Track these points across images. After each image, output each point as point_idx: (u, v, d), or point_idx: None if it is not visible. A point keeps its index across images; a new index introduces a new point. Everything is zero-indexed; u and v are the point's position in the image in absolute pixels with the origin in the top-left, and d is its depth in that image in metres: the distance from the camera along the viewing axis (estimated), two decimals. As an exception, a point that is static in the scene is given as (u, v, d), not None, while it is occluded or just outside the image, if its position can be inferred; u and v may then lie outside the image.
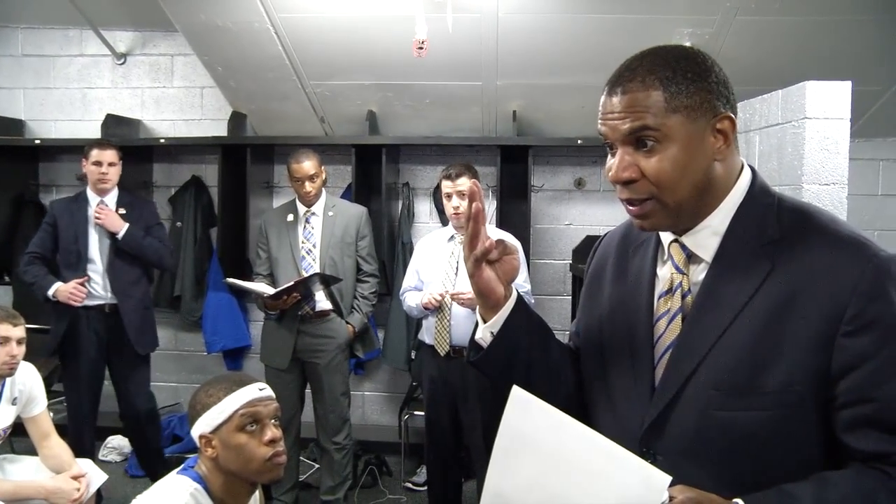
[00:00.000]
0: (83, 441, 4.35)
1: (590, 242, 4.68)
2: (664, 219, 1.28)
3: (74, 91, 5.66)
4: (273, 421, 1.98)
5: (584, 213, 5.24)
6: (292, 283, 3.94)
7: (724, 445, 1.22)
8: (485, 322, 1.41)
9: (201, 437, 1.94)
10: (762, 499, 1.14)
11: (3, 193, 5.37)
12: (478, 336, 1.43)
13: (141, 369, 4.53)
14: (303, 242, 4.22)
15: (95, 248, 4.34)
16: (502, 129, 5.13)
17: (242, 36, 4.44)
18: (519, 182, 4.91)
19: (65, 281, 4.26)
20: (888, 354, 1.14)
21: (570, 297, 5.09)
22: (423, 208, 5.42)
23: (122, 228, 4.27)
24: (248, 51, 4.57)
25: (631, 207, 1.29)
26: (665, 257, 1.37)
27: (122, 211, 4.36)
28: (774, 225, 1.25)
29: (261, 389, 1.98)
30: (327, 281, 4.08)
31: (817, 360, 1.16)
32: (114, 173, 4.33)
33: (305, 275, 4.05)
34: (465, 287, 3.73)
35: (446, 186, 3.84)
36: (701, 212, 1.28)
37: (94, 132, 5.32)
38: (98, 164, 4.27)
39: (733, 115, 1.24)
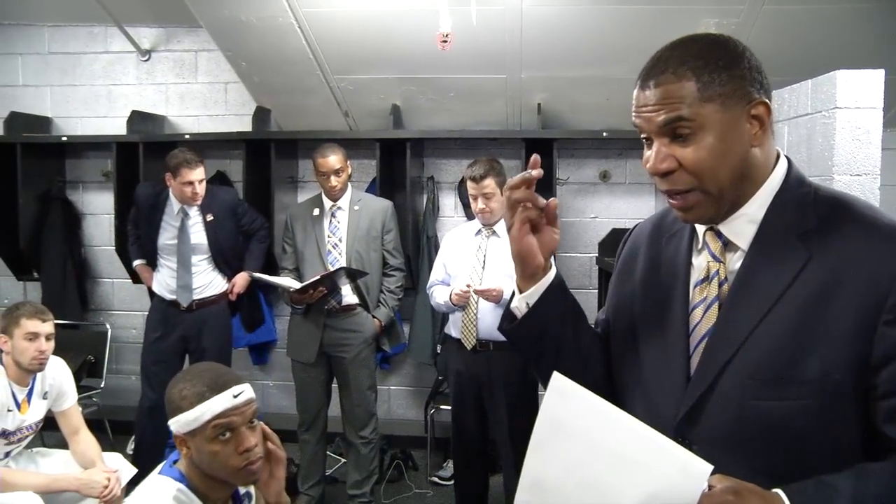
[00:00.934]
0: None
1: (615, 235, 4.65)
2: (708, 209, 1.27)
3: (100, 88, 5.69)
4: (250, 424, 1.92)
5: (610, 206, 5.20)
6: (318, 277, 3.94)
7: (760, 435, 1.21)
8: (521, 292, 1.42)
9: (176, 436, 1.90)
10: (802, 489, 1.12)
11: (30, 190, 5.40)
12: (513, 305, 1.44)
13: None
14: (329, 237, 4.22)
15: None
16: (527, 121, 5.10)
17: (266, 31, 4.44)
18: (544, 175, 4.82)
19: None
20: None
21: (597, 291, 5.06)
22: (448, 202, 5.40)
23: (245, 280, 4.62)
24: (272, 45, 4.57)
25: (673, 201, 1.28)
26: (700, 246, 1.36)
27: (210, 217, 4.46)
28: (811, 214, 1.24)
29: (235, 396, 1.88)
30: (353, 275, 4.07)
31: (857, 349, 1.14)
32: (204, 189, 4.37)
33: (331, 269, 4.05)
34: (492, 281, 3.72)
35: (471, 188, 3.82)
36: (739, 200, 1.27)
37: (120, 128, 5.36)
38: (189, 183, 4.26)
39: (768, 101, 1.23)
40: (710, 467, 1.05)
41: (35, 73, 5.74)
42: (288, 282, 4.10)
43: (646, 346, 1.40)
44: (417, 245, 5.20)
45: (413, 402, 5.55)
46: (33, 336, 3.12)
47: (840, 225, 1.21)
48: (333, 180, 4.12)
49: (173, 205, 4.44)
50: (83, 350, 5.19)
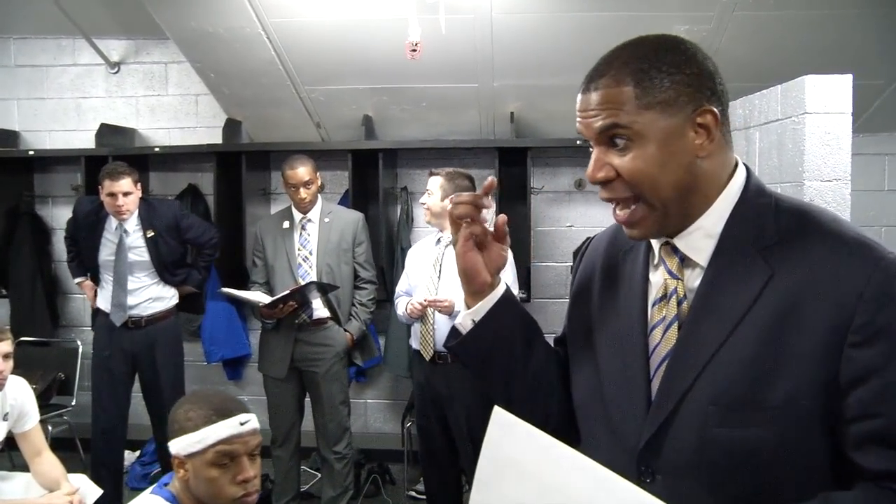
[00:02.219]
0: None
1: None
2: (653, 224, 1.21)
3: (68, 101, 5.61)
4: (252, 455, 1.90)
5: (585, 215, 5.17)
6: (288, 291, 3.89)
7: (726, 464, 1.14)
8: (468, 308, 1.37)
9: (175, 457, 1.88)
10: None
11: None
12: (457, 321, 1.39)
13: None
14: (299, 250, 4.17)
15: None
16: (500, 130, 5.07)
17: (234, 42, 4.38)
18: (518, 184, 4.85)
19: None
20: None
21: (572, 300, 5.02)
22: (422, 213, 5.34)
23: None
24: (241, 57, 4.52)
25: (618, 214, 1.23)
26: (656, 261, 1.28)
27: (150, 233, 4.31)
28: (772, 227, 1.17)
29: (242, 423, 1.87)
30: (324, 289, 4.02)
31: (824, 373, 1.08)
32: (131, 202, 4.22)
33: (302, 283, 4.00)
34: (447, 292, 3.69)
35: (433, 184, 3.85)
36: (690, 213, 1.20)
37: (89, 142, 5.28)
38: (112, 195, 4.13)
39: (716, 109, 1.16)
40: None
41: (2, 86, 5.64)
42: (258, 296, 4.04)
43: (606, 370, 1.32)
44: (392, 257, 5.15)
45: (390, 415, 5.49)
46: None
47: (803, 238, 1.15)
48: (303, 192, 4.08)
49: (112, 220, 4.30)
50: (53, 367, 5.11)
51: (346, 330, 4.19)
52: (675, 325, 1.22)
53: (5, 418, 3.22)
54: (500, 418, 1.16)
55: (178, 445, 1.86)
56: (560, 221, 5.20)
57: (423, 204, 3.86)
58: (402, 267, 5.01)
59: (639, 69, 1.15)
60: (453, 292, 3.66)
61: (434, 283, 3.80)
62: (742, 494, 1.13)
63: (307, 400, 4.31)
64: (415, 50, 3.85)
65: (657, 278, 1.28)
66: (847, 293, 1.08)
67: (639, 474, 1.20)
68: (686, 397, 1.17)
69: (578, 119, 1.22)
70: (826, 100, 2.73)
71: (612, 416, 1.29)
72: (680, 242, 1.23)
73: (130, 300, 4.29)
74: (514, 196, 4.89)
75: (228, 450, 1.84)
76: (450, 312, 3.64)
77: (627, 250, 1.36)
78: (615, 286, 1.35)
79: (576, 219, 5.18)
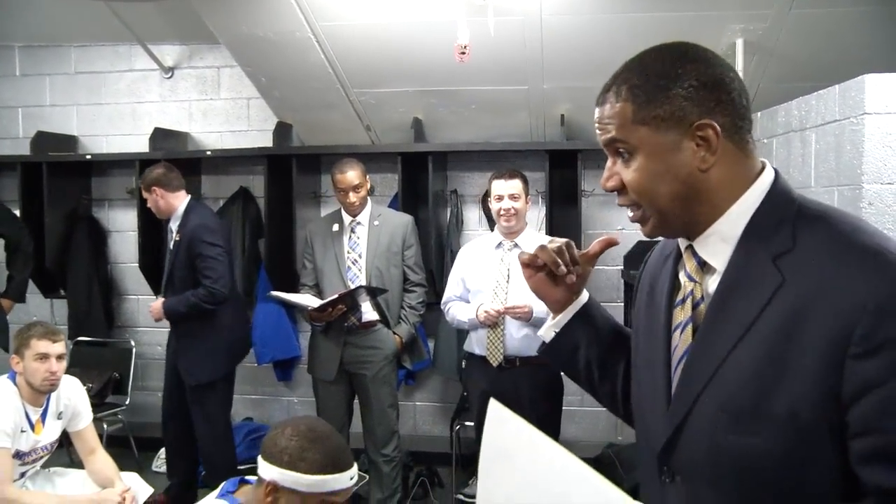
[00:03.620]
0: None
1: (641, 248, 4.55)
2: (657, 225, 1.24)
3: (124, 106, 5.73)
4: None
5: (637, 218, 5.10)
6: (337, 295, 3.90)
7: (735, 471, 1.13)
8: (553, 319, 1.53)
9: (270, 483, 1.87)
10: None
11: (57, 208, 5.45)
12: (541, 332, 1.56)
13: None
14: (348, 253, 4.18)
15: None
16: (550, 133, 5.03)
17: (284, 46, 4.43)
18: (569, 187, 4.81)
19: None
20: None
21: (623, 304, 4.96)
22: (472, 216, 5.35)
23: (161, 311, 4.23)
24: (291, 61, 4.56)
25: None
26: (681, 264, 1.31)
27: (178, 237, 4.22)
28: (789, 234, 1.14)
29: (351, 479, 1.92)
30: (373, 292, 4.02)
31: (827, 385, 1.05)
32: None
33: (351, 286, 4.01)
34: (519, 298, 3.64)
35: (498, 187, 3.76)
36: (697, 220, 1.21)
37: (144, 146, 5.39)
38: (44, 356, 3.18)
39: (718, 122, 1.15)
40: (633, 502, 1.02)
41: (62, 92, 5.80)
42: (307, 300, 4.06)
43: (639, 369, 1.38)
44: (441, 260, 5.14)
45: (439, 418, 5.48)
46: (43, 357, 3.12)
47: (816, 247, 1.12)
48: (352, 196, 4.08)
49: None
50: (109, 367, 5.22)
51: (395, 333, 4.19)
52: (690, 328, 1.24)
53: (60, 417, 3.31)
54: (496, 412, 1.20)
55: (284, 478, 1.85)
56: (611, 225, 5.14)
57: (511, 209, 3.73)
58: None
59: (636, 85, 1.18)
60: (526, 296, 3.59)
61: (503, 287, 3.75)
62: (749, 501, 1.13)
63: (356, 402, 4.32)
64: (464, 53, 3.84)
65: (682, 280, 1.30)
66: (851, 303, 1.04)
67: (660, 474, 1.24)
68: (698, 401, 1.18)
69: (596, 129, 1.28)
70: (887, 99, 2.63)
71: (644, 415, 1.34)
72: (698, 246, 1.24)
73: None
74: (564, 199, 4.85)
75: (334, 500, 1.89)
76: (528, 318, 3.59)
77: (669, 254, 1.37)
78: (654, 288, 1.38)
79: (626, 222, 5.01)
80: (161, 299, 4.30)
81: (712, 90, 1.16)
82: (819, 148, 2.93)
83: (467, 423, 4.85)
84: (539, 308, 3.58)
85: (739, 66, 4.04)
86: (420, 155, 4.94)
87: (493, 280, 3.79)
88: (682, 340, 1.25)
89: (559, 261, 1.42)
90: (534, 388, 3.65)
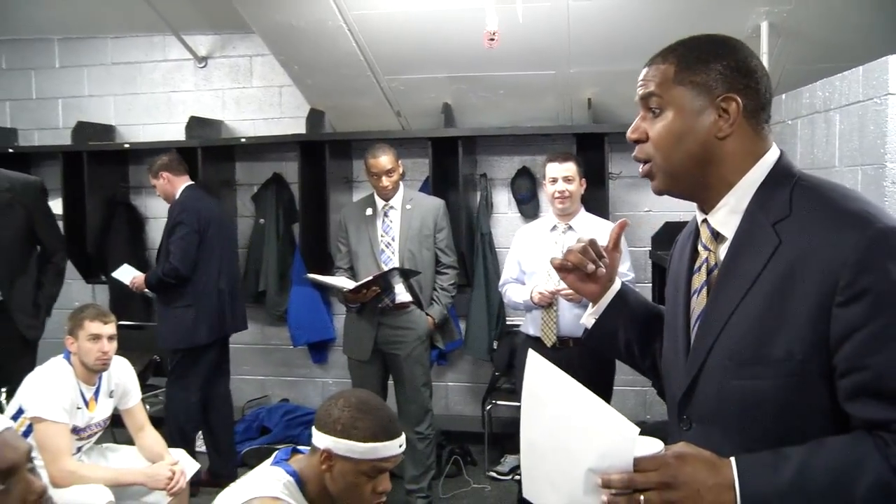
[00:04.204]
0: None
1: (669, 229, 4.61)
2: (663, 181, 1.40)
3: (160, 95, 5.87)
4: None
5: (663, 200, 5.04)
6: (371, 277, 4.00)
7: (740, 413, 1.29)
8: (592, 307, 1.68)
9: (325, 451, 1.97)
10: (755, 458, 1.20)
11: (96, 196, 5.60)
12: (582, 320, 1.72)
13: None
14: (382, 236, 4.27)
15: None
16: (578, 116, 5.09)
17: (317, 34, 4.52)
18: (596, 170, 4.86)
19: None
20: (881, 323, 1.16)
21: (651, 285, 5.02)
22: (502, 198, 5.42)
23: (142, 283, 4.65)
24: (323, 49, 4.65)
25: (640, 169, 1.43)
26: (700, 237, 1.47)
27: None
28: (787, 202, 1.30)
29: (400, 446, 2.01)
30: (406, 274, 4.12)
31: (817, 331, 1.20)
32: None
33: (385, 268, 4.11)
34: None
35: (552, 170, 3.81)
36: (706, 183, 1.37)
37: (178, 134, 5.53)
38: (97, 337, 3.33)
39: (742, 100, 1.31)
40: (637, 429, 1.17)
41: (99, 83, 5.96)
42: (342, 282, 4.16)
43: (667, 332, 1.54)
44: (472, 242, 5.23)
45: (470, 397, 5.58)
46: (96, 337, 3.26)
47: (809, 213, 1.27)
48: (385, 180, 4.18)
49: None
50: (149, 350, 5.34)
51: (427, 314, 4.28)
52: (705, 291, 1.40)
53: (111, 395, 3.45)
54: (534, 360, 1.37)
55: (337, 446, 1.95)
56: (638, 206, 5.20)
57: (565, 191, 3.77)
58: (482, 252, 5.12)
59: (683, 54, 1.36)
60: None
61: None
62: (755, 442, 1.24)
63: (390, 382, 4.43)
64: (493, 39, 3.90)
65: (700, 250, 1.46)
66: (836, 259, 1.19)
67: (679, 422, 1.41)
68: (710, 353, 1.34)
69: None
70: (911, 80, 2.68)
71: (668, 371, 1.52)
72: (711, 219, 1.40)
73: None
74: (592, 181, 4.86)
75: (384, 466, 1.99)
76: (580, 300, 3.65)
77: (690, 232, 1.53)
78: (679, 263, 1.54)
79: (653, 203, 5.16)
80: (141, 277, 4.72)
81: (744, 75, 1.33)
82: (843, 128, 2.97)
83: (499, 403, 4.95)
84: None
85: (764, 49, 4.07)
86: (450, 140, 5.02)
87: (547, 262, 3.85)
88: (697, 303, 1.42)
89: (586, 259, 1.57)
90: (586, 368, 3.62)
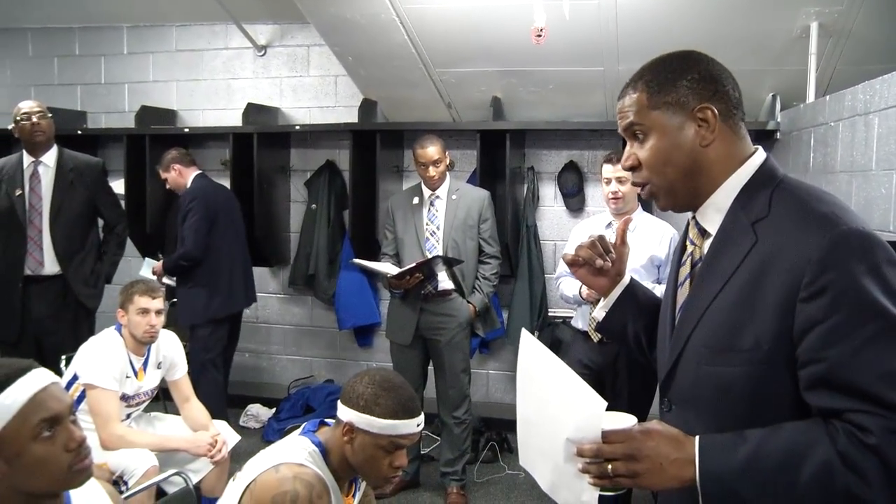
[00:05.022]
0: None
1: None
2: (664, 199, 1.50)
3: (220, 82, 6.07)
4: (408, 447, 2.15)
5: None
6: (415, 264, 4.11)
7: (712, 397, 1.39)
8: (603, 301, 1.81)
9: (347, 424, 2.08)
10: (717, 438, 1.31)
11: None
12: (594, 313, 1.84)
13: None
14: (427, 224, 4.37)
15: None
16: (626, 113, 5.11)
17: (370, 27, 4.63)
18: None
19: None
20: (838, 319, 1.23)
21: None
22: (548, 192, 5.49)
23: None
24: (376, 41, 4.77)
25: (642, 193, 1.53)
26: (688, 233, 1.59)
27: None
28: (766, 204, 1.38)
29: (418, 425, 2.10)
30: (450, 262, 4.21)
31: (783, 324, 1.28)
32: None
33: (429, 256, 4.21)
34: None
35: (607, 171, 3.85)
36: (700, 191, 1.46)
37: (237, 120, 5.69)
38: (145, 311, 3.49)
39: (716, 107, 1.41)
40: (604, 403, 1.32)
41: (163, 69, 6.18)
42: (387, 267, 4.28)
43: (660, 320, 1.65)
44: (517, 234, 5.31)
45: (510, 386, 5.65)
46: (144, 311, 3.44)
47: (783, 213, 1.35)
48: (432, 170, 4.28)
49: None
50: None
51: (469, 301, 4.37)
52: (688, 282, 1.52)
53: (159, 367, 3.63)
54: (526, 340, 1.56)
55: (359, 420, 2.06)
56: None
57: (618, 191, 3.81)
58: (527, 244, 5.20)
59: (650, 80, 1.45)
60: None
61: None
62: (725, 424, 1.34)
63: (430, 368, 4.54)
64: (540, 35, 3.97)
65: (687, 245, 1.58)
66: (801, 257, 1.27)
67: (661, 404, 1.53)
68: (689, 341, 1.44)
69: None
70: (950, 85, 2.69)
71: (658, 357, 1.62)
72: (699, 216, 1.50)
73: None
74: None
75: (401, 443, 2.09)
76: None
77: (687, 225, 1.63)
78: (675, 256, 1.66)
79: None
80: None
81: (710, 83, 1.43)
82: (881, 132, 2.98)
83: (537, 392, 5.02)
84: None
85: (813, 49, 4.06)
86: (498, 133, 5.10)
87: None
88: (682, 294, 1.54)
89: (594, 254, 1.71)
90: (630, 364, 3.72)
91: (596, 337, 3.82)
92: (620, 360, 3.76)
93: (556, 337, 5.15)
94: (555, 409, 1.42)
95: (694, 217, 1.52)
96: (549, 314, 5.33)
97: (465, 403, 4.42)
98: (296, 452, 2.06)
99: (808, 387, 1.28)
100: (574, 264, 1.74)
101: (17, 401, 1.53)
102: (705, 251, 1.48)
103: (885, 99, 2.96)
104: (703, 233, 1.50)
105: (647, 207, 4.78)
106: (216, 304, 4.89)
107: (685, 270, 1.54)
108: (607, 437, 1.32)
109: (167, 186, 5.06)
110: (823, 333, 1.24)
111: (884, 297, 1.22)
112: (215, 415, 3.84)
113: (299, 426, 2.26)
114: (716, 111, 1.41)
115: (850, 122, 3.29)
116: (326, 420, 2.26)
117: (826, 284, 1.24)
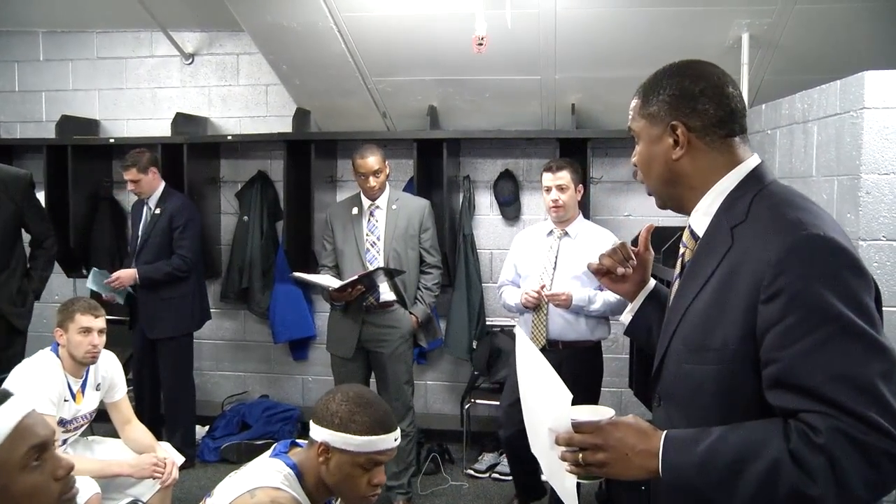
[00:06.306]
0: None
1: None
2: (656, 200, 1.61)
3: (145, 91, 5.88)
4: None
5: (643, 204, 5.23)
6: (356, 276, 4.05)
7: (688, 393, 1.47)
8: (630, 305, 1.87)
9: (322, 444, 2.00)
10: (683, 433, 1.38)
11: (80, 191, 5.60)
12: (622, 317, 1.90)
13: None
14: (367, 235, 4.32)
15: None
16: (561, 122, 5.17)
17: (307, 35, 4.56)
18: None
19: None
20: (791, 321, 1.28)
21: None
22: (484, 200, 5.49)
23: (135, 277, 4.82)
24: (313, 50, 4.70)
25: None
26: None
27: (157, 210, 4.87)
28: (746, 208, 1.44)
29: (395, 440, 2.05)
30: (391, 273, 4.17)
31: (747, 325, 1.34)
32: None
33: (370, 268, 4.16)
34: (562, 284, 3.81)
35: (547, 179, 3.89)
36: (682, 197, 1.56)
37: (165, 130, 5.54)
38: (87, 330, 3.34)
39: (687, 123, 1.48)
40: (570, 396, 1.44)
41: (85, 77, 5.95)
42: (327, 280, 4.21)
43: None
44: (454, 243, 5.30)
45: (449, 396, 5.64)
46: (86, 330, 3.28)
47: (757, 218, 1.41)
48: (372, 180, 4.23)
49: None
50: (129, 345, 5.34)
51: (411, 313, 4.34)
52: (678, 282, 1.59)
53: (98, 388, 3.48)
54: (521, 340, 1.71)
55: (335, 439, 1.99)
56: (619, 211, 5.29)
57: (558, 200, 3.86)
58: (464, 253, 5.19)
59: (643, 89, 1.56)
60: (568, 284, 3.80)
61: (549, 273, 3.89)
62: (699, 420, 1.40)
63: (372, 380, 4.47)
64: (481, 44, 3.98)
65: (680, 247, 1.64)
66: (763, 260, 1.32)
67: (653, 399, 1.61)
68: (672, 339, 1.52)
69: None
70: (885, 95, 2.77)
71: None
72: (691, 220, 1.58)
73: None
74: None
75: (379, 459, 2.03)
76: (567, 306, 3.77)
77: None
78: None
79: (634, 208, 5.26)
80: (133, 269, 4.86)
81: (688, 100, 1.49)
82: (820, 140, 3.08)
83: (477, 402, 5.03)
84: (579, 296, 3.78)
85: (745, 59, 4.17)
86: (435, 141, 5.09)
87: (540, 266, 3.92)
88: (671, 292, 1.64)
89: (615, 262, 1.78)
90: (574, 371, 3.68)
91: (539, 344, 3.84)
92: (564, 367, 3.78)
93: (496, 345, 5.17)
94: (541, 401, 1.56)
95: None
96: (488, 323, 5.34)
97: (409, 415, 4.38)
98: (270, 476, 1.98)
99: (768, 386, 1.33)
100: (598, 272, 1.81)
101: (4, 428, 1.37)
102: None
103: (824, 108, 3.05)
104: (694, 236, 1.56)
105: (587, 215, 4.86)
106: (197, 315, 5.09)
107: (675, 271, 1.62)
108: (578, 427, 1.43)
109: (130, 188, 4.88)
110: (779, 335, 1.29)
111: (839, 301, 1.26)
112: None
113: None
114: (685, 129, 1.48)
115: (788, 130, 3.39)
116: (298, 441, 2.19)
117: (782, 287, 1.29)
